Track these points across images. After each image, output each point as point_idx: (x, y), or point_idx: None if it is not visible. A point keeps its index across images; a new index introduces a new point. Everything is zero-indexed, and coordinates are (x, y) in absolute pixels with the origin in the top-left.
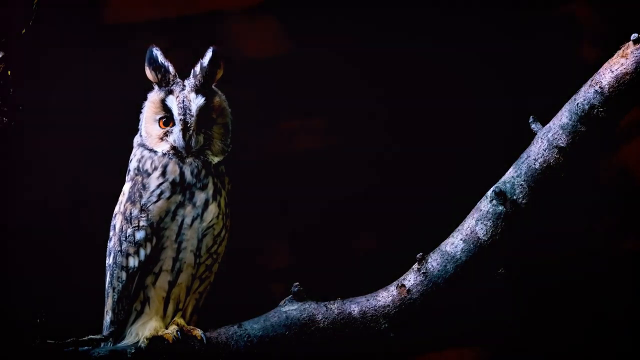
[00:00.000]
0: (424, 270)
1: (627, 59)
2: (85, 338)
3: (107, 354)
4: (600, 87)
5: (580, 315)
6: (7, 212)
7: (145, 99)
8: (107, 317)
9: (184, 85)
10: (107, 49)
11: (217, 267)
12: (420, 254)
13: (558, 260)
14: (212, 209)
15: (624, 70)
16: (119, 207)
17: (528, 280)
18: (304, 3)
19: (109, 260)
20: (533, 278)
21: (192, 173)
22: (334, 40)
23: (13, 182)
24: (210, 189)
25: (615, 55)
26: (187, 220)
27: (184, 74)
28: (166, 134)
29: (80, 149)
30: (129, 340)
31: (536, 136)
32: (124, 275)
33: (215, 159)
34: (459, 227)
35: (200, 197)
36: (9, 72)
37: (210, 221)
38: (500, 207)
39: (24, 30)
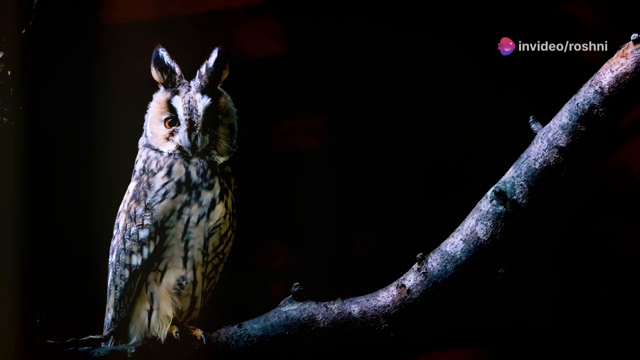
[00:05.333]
0: (424, 270)
1: (627, 59)
2: (85, 338)
3: (107, 354)
4: (600, 87)
5: (580, 315)
6: (7, 212)
7: (149, 99)
8: (109, 315)
9: (190, 86)
10: (108, 49)
11: (222, 267)
12: (420, 254)
13: (558, 260)
14: (219, 208)
15: (624, 70)
16: (123, 206)
17: (527, 280)
18: (304, 3)
19: (112, 258)
20: (533, 278)
21: (197, 173)
22: (334, 40)
23: (13, 181)
24: (217, 189)
25: (615, 55)
26: (193, 219)
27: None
28: (172, 134)
29: (81, 149)
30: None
31: (536, 136)
32: (126, 273)
33: (221, 159)
34: (459, 227)
35: (206, 196)
36: (9, 72)
37: (217, 220)
38: (500, 207)
39: (24, 31)
